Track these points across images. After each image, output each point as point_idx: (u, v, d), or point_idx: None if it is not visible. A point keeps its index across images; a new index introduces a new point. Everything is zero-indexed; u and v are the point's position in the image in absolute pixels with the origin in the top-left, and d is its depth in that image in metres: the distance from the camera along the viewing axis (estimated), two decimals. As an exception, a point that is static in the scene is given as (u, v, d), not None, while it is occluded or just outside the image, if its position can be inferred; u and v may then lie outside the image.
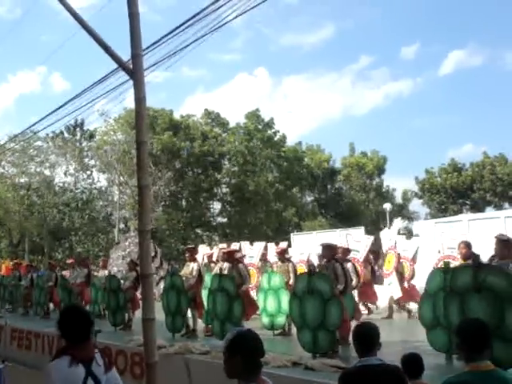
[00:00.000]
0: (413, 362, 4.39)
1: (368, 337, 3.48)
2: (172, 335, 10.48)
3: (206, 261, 14.18)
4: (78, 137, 47.39)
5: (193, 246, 13.64)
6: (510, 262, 7.29)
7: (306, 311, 8.16)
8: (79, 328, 3.36)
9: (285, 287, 10.82)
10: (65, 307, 3.81)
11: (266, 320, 10.79)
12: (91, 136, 46.04)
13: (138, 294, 12.34)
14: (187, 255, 11.72)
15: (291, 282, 11.32)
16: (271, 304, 10.72)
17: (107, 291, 12.98)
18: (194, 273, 11.12)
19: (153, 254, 16.01)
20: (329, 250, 9.24)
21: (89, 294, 14.67)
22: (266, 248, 16.02)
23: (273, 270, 11.85)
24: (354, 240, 14.95)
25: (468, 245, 8.91)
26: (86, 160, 45.39)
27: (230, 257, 11.13)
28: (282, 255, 11.95)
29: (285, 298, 10.53)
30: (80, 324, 3.38)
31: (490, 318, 6.01)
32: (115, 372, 3.61)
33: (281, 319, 10.75)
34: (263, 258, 15.00)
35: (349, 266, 10.12)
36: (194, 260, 11.54)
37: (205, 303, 10.50)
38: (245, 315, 9.71)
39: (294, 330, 10.45)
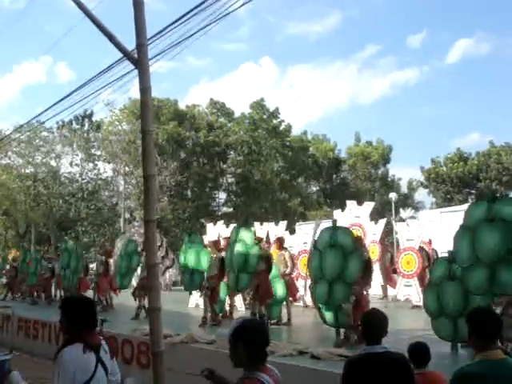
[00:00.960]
0: (420, 351, 4.40)
1: (377, 325, 3.49)
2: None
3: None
4: (86, 127, 47.39)
5: (217, 239, 13.79)
6: None
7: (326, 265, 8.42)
8: (89, 315, 3.42)
9: (279, 277, 10.91)
10: (67, 297, 3.83)
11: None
12: (98, 127, 46.06)
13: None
14: (210, 247, 12.13)
15: (288, 270, 11.41)
16: None
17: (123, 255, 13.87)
18: (217, 264, 11.58)
19: (158, 243, 16.13)
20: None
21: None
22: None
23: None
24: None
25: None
26: (93, 150, 45.45)
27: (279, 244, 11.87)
28: (279, 244, 11.96)
29: (280, 287, 10.61)
30: (88, 312, 3.44)
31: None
32: (115, 361, 3.66)
33: (276, 309, 10.83)
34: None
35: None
36: (220, 251, 11.92)
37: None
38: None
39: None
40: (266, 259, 10.68)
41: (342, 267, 8.19)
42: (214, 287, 11.52)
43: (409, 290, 14.24)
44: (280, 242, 12.12)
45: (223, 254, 11.61)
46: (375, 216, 16.40)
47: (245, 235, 10.75)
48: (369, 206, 16.01)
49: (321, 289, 8.45)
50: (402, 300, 14.42)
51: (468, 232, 7.29)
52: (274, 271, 10.87)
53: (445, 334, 7.57)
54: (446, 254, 7.83)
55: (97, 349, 3.35)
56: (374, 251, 14.52)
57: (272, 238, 14.92)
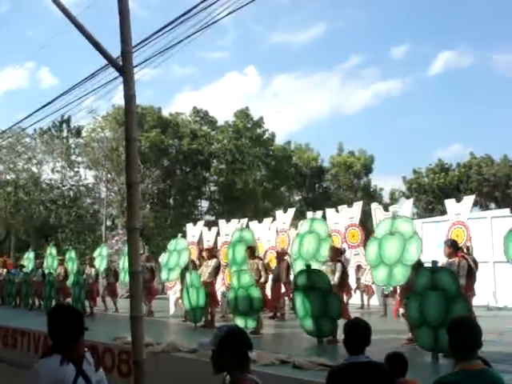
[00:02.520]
0: (397, 361, 4.41)
1: (360, 335, 3.49)
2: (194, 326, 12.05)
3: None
4: (64, 133, 47.03)
5: (212, 246, 14.98)
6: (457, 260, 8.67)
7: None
8: (71, 326, 3.25)
9: (255, 285, 10.93)
10: (53, 307, 3.71)
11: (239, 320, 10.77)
12: (78, 132, 45.74)
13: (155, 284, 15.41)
14: (206, 254, 12.94)
15: (262, 279, 11.48)
16: (242, 303, 10.82)
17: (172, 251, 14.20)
18: (210, 269, 12.27)
19: (141, 251, 16.10)
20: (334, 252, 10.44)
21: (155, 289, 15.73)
22: None
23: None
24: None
25: (451, 244, 9.07)
26: (74, 157, 45.12)
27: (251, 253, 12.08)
28: (251, 253, 11.98)
29: (256, 296, 10.62)
30: (71, 322, 3.27)
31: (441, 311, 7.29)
32: (103, 372, 3.57)
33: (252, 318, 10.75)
34: None
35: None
36: (213, 257, 12.71)
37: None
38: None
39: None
40: (265, 269, 11.48)
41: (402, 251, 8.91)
42: (212, 293, 12.16)
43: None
44: (252, 250, 12.09)
45: (215, 260, 12.57)
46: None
47: (319, 227, 11.21)
48: (347, 211, 16.03)
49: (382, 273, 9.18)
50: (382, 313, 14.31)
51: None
52: (248, 280, 10.91)
53: (426, 343, 7.63)
54: (429, 264, 7.89)
55: (78, 361, 3.22)
56: (354, 235, 14.77)
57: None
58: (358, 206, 15.23)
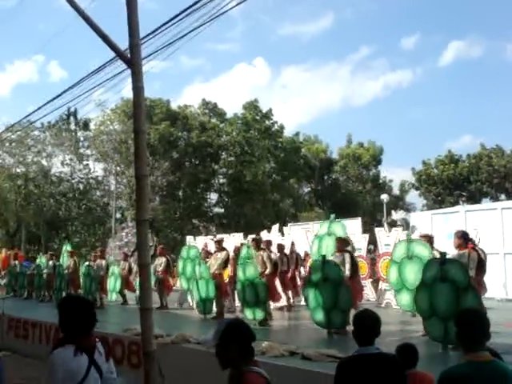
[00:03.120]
0: (407, 353, 4.41)
1: (369, 326, 3.49)
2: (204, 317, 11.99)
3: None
4: (72, 126, 47.20)
5: (221, 238, 14.98)
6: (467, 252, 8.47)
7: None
8: (83, 317, 3.32)
9: (259, 277, 10.95)
10: (64, 297, 3.75)
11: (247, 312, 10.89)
12: (85, 125, 45.88)
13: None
14: (216, 246, 13.16)
15: (267, 271, 11.47)
16: (249, 295, 10.88)
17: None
18: (220, 261, 12.41)
19: (151, 243, 16.16)
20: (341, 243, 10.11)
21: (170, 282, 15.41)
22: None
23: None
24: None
25: (461, 235, 8.98)
26: (83, 150, 45.28)
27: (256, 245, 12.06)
28: (257, 245, 11.96)
29: (261, 287, 10.66)
30: (83, 313, 3.33)
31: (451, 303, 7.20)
32: (112, 362, 3.60)
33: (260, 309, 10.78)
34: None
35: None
36: (223, 249, 12.85)
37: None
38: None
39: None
40: (274, 262, 11.42)
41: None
42: (219, 284, 12.23)
43: (389, 295, 13.95)
44: (257, 242, 12.14)
45: (224, 252, 12.68)
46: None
47: (337, 229, 11.25)
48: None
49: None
50: (382, 305, 14.04)
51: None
52: (253, 272, 10.94)
53: (436, 334, 7.61)
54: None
55: (90, 351, 3.28)
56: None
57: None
58: (365, 238, 15.08)
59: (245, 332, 2.98)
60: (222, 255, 12.56)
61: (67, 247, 18.80)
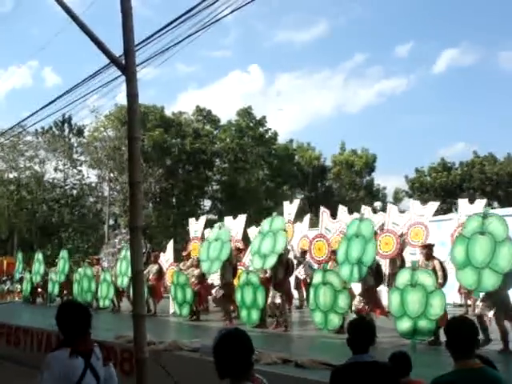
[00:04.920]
0: (401, 361, 4.41)
1: (365, 334, 3.48)
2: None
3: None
4: (66, 132, 47.09)
5: None
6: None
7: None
8: (79, 321, 3.41)
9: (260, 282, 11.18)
10: (62, 303, 3.81)
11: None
12: (80, 131, 45.80)
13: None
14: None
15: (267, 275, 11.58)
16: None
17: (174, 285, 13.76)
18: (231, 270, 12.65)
19: (144, 250, 16.10)
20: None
21: (161, 290, 15.37)
22: None
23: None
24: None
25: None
26: (76, 156, 45.18)
27: None
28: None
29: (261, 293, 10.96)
30: (79, 317, 3.43)
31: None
32: (112, 367, 3.68)
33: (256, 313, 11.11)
34: None
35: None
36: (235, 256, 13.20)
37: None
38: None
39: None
40: (286, 265, 11.29)
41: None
42: (230, 293, 12.32)
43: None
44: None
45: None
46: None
47: (365, 229, 10.45)
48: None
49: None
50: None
51: None
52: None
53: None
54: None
55: (87, 355, 3.33)
56: (388, 242, 13.64)
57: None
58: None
59: (242, 344, 2.85)
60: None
61: (64, 254, 18.79)
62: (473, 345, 3.10)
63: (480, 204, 13.69)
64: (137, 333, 5.55)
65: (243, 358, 2.81)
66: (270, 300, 11.15)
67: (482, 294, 9.08)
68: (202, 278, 13.47)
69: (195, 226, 16.51)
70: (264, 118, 47.45)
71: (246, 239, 16.56)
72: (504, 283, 8.27)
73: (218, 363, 2.83)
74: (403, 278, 9.21)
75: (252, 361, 2.88)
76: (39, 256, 19.86)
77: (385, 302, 10.44)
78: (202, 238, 15.45)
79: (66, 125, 46.61)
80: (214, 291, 13.58)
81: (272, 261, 11.15)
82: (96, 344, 3.51)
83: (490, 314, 8.51)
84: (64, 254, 18.88)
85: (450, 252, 9.24)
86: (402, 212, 15.48)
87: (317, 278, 10.61)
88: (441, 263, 9.66)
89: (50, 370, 3.20)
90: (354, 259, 10.05)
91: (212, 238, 13.11)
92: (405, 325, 8.97)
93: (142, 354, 5.50)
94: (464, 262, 8.63)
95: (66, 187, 45.36)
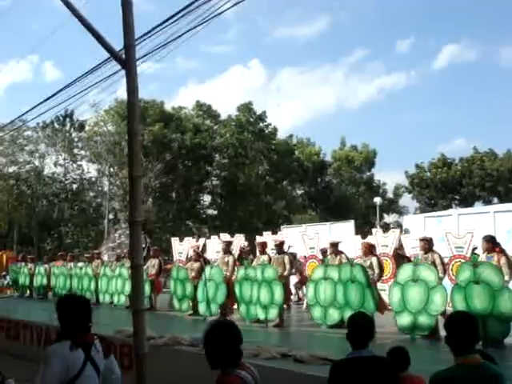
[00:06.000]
0: (399, 356, 4.41)
1: (363, 329, 3.49)
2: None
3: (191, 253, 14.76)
4: (67, 127, 47.06)
5: (230, 240, 14.69)
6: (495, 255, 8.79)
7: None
8: (79, 314, 3.44)
9: (277, 279, 10.99)
10: (61, 296, 3.83)
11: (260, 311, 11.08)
12: (81, 126, 45.76)
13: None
14: (223, 247, 13.10)
15: (286, 273, 11.57)
16: (264, 296, 10.93)
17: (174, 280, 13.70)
18: (231, 263, 12.38)
19: (143, 245, 16.08)
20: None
21: (161, 284, 15.32)
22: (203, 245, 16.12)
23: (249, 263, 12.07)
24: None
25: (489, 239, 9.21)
26: (76, 150, 45.15)
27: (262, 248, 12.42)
28: (280, 247, 12.14)
29: (278, 289, 10.70)
30: (79, 310, 3.46)
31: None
32: (113, 359, 3.72)
33: (273, 311, 10.88)
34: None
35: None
36: (230, 253, 12.80)
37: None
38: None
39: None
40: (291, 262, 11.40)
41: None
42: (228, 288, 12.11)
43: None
44: (263, 246, 12.52)
45: (231, 257, 12.60)
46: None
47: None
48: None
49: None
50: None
51: None
52: (271, 273, 11.03)
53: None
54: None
55: (87, 347, 3.36)
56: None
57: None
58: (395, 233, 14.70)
59: (230, 334, 2.97)
60: (230, 260, 12.52)
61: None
62: (473, 340, 3.10)
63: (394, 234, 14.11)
64: (136, 327, 5.56)
65: (232, 348, 2.93)
66: None
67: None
68: (202, 271, 13.41)
69: (179, 247, 15.99)
70: (264, 113, 47.49)
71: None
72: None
73: (209, 353, 2.95)
74: (405, 273, 9.24)
75: (241, 350, 2.99)
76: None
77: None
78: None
79: (67, 119, 46.55)
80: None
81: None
82: (96, 337, 3.52)
83: None
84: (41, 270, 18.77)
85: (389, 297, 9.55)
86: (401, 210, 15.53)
87: (318, 273, 10.61)
88: (440, 257, 9.60)
89: (51, 363, 3.22)
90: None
91: (207, 277, 12.51)
92: (405, 320, 9.01)
93: (141, 349, 5.51)
94: (400, 307, 9.06)
95: (66, 182, 45.35)
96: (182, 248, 15.90)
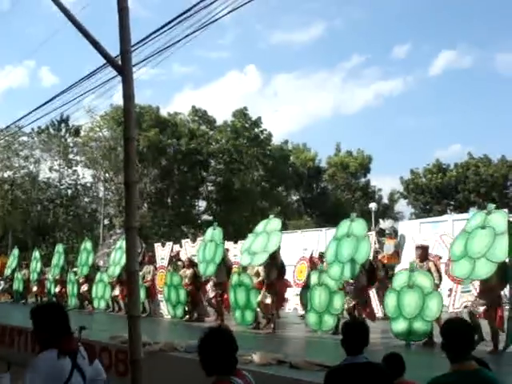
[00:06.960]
0: (394, 362, 4.41)
1: (359, 335, 3.49)
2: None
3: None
4: (63, 132, 46.98)
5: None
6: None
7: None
8: (60, 321, 3.38)
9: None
10: (36, 305, 3.80)
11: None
12: (76, 132, 45.71)
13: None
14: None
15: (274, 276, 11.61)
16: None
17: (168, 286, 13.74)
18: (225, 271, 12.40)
19: (139, 250, 16.12)
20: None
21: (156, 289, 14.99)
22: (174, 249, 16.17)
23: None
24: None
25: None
26: (71, 156, 45.08)
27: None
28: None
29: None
30: (60, 317, 3.40)
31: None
32: (98, 363, 3.66)
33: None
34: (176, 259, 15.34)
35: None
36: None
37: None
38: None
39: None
40: (280, 267, 11.25)
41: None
42: (222, 293, 12.25)
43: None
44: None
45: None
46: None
47: (356, 228, 10.24)
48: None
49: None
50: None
51: None
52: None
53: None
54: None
55: (73, 354, 3.32)
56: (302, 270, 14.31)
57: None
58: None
59: (225, 342, 2.94)
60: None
61: (59, 248, 18.69)
62: (469, 346, 3.11)
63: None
64: (132, 334, 5.54)
65: (228, 355, 2.91)
66: (259, 298, 11.05)
67: (475, 292, 9.18)
68: (194, 278, 13.39)
69: (161, 252, 15.87)
70: (259, 118, 47.52)
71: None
72: (500, 280, 8.31)
73: (204, 361, 2.93)
74: (401, 279, 9.24)
75: (236, 357, 2.97)
76: (36, 254, 19.76)
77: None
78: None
79: (63, 124, 46.46)
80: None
81: (261, 259, 10.90)
82: (80, 344, 3.49)
83: (481, 309, 8.50)
84: (59, 248, 18.73)
85: (450, 248, 9.18)
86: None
87: (312, 280, 10.62)
88: (435, 264, 9.59)
89: (37, 372, 3.17)
90: (344, 258, 9.90)
91: (207, 238, 13.02)
92: (400, 326, 9.00)
93: (137, 355, 5.49)
94: (460, 255, 8.60)
95: (61, 187, 45.24)
96: (164, 254, 15.76)
